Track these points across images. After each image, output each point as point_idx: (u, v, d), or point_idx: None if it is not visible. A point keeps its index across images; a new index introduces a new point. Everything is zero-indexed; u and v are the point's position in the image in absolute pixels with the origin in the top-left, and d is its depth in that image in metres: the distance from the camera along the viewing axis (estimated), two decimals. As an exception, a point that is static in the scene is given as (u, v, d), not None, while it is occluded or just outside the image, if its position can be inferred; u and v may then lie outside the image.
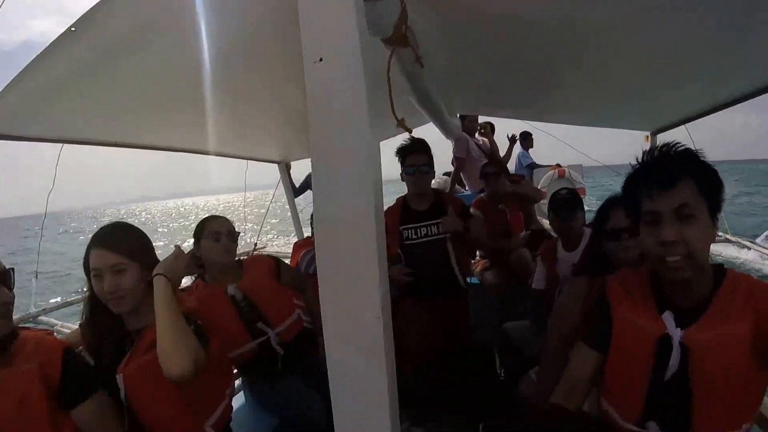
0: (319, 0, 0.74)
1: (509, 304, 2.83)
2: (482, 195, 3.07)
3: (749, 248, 6.60)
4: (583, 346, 1.15)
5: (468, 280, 2.35)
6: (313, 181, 0.81)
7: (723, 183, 0.97)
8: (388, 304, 0.80)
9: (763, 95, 1.99)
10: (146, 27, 1.17)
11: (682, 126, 2.80)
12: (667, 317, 0.98)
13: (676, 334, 0.96)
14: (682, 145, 0.98)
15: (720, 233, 6.96)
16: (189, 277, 1.85)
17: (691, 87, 2.13)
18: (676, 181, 0.93)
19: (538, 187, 5.48)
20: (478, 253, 3.10)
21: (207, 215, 1.89)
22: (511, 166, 6.05)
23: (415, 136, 2.23)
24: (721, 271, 1.01)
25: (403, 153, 2.23)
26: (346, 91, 0.74)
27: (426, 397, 2.03)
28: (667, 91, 2.20)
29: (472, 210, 2.60)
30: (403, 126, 1.44)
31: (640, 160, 1.01)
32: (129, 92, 1.59)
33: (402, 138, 2.34)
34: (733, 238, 6.49)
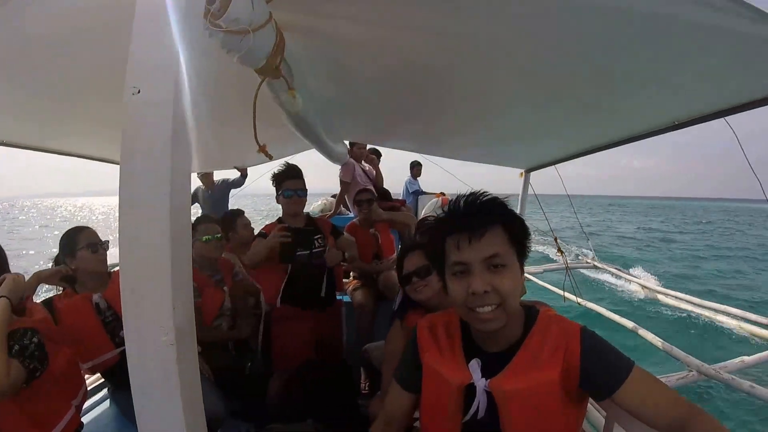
0: (142, 31, 0.74)
1: (376, 324, 2.98)
2: (356, 219, 3.23)
3: (619, 276, 7.77)
4: (395, 385, 1.14)
5: (342, 298, 2.52)
6: (120, 202, 0.77)
7: (529, 230, 0.98)
8: (187, 331, 0.78)
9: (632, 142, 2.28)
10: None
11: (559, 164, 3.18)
12: (474, 366, 0.97)
13: (481, 384, 0.94)
14: (489, 194, 0.97)
15: (589, 260, 8.22)
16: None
17: (559, 134, 2.44)
18: (486, 231, 0.91)
19: (422, 213, 5.91)
20: (351, 273, 3.25)
21: (71, 227, 1.91)
22: (400, 192, 6.47)
23: (290, 162, 2.40)
24: (533, 312, 1.00)
25: (279, 178, 2.36)
26: (159, 124, 0.74)
27: (292, 411, 2.07)
28: (539, 136, 2.50)
29: (345, 233, 2.75)
30: (264, 152, 1.47)
31: (445, 210, 1.00)
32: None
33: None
34: (600, 265, 7.64)
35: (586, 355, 0.90)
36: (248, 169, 4.65)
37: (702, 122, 1.79)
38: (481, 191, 0.97)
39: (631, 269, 9.25)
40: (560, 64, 1.42)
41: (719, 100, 1.62)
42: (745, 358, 3.47)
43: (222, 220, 2.80)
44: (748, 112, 1.58)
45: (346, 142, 4.18)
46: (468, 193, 0.97)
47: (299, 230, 2.39)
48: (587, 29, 1.17)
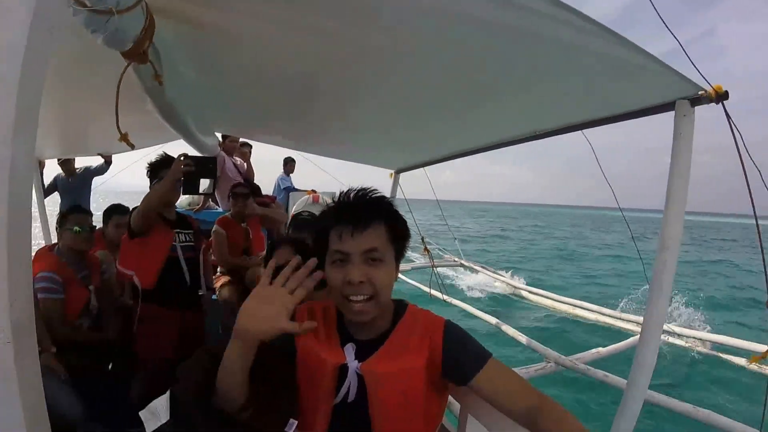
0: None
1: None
2: (228, 213, 3.14)
3: (478, 271, 8.30)
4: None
5: (208, 294, 2.43)
6: None
7: (410, 234, 1.04)
8: (26, 329, 0.74)
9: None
10: None
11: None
12: (348, 349, 1.02)
13: (353, 365, 0.99)
14: (378, 192, 1.02)
15: (456, 258, 8.54)
16: None
17: (428, 138, 2.58)
18: (369, 226, 0.95)
19: (293, 210, 5.92)
20: (219, 269, 3.12)
21: None
22: (272, 188, 6.36)
23: (167, 153, 2.24)
24: (402, 306, 1.07)
25: (155, 167, 2.21)
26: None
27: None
28: (408, 139, 2.62)
29: (215, 227, 2.64)
30: (126, 141, 1.39)
31: (335, 200, 1.03)
32: None
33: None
34: (466, 263, 8.08)
35: (447, 345, 0.98)
36: (113, 157, 4.35)
37: (561, 133, 2.00)
38: (372, 188, 1.02)
39: (496, 267, 9.87)
40: (428, 72, 1.52)
41: (578, 115, 1.82)
42: (601, 349, 3.80)
43: (104, 212, 2.68)
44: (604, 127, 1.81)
45: (218, 135, 4.02)
46: (359, 188, 1.01)
47: (173, 222, 2.27)
48: (456, 40, 1.27)
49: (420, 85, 1.69)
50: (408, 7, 1.14)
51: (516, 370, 3.53)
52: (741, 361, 3.99)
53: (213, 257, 2.91)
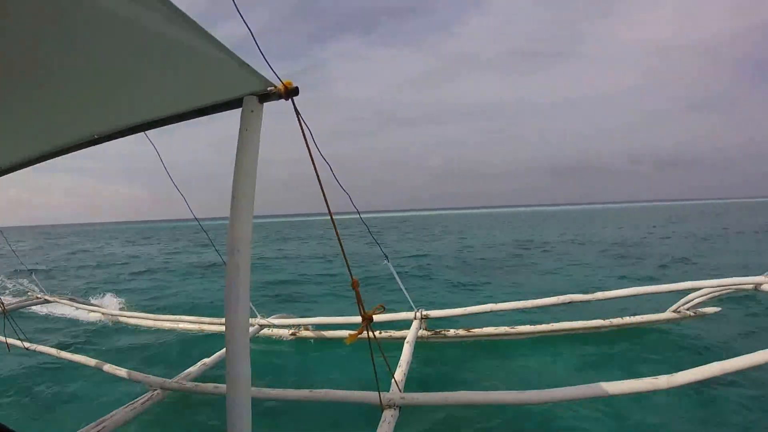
0: None
1: None
2: None
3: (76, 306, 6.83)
4: None
5: None
6: None
7: None
8: None
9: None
10: None
11: None
12: None
13: None
14: None
15: (39, 296, 6.79)
16: None
17: None
18: None
19: None
20: None
21: None
22: None
23: None
24: None
25: None
26: None
27: None
28: None
29: None
30: None
31: None
32: None
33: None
34: (51, 298, 6.65)
35: None
36: None
37: (123, 136, 1.74)
38: None
39: (92, 297, 8.47)
40: None
41: (141, 113, 1.58)
42: (206, 360, 3.68)
43: None
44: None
45: None
46: None
47: None
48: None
49: None
50: None
51: (121, 409, 2.83)
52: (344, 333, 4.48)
53: None
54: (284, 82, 1.33)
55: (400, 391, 2.65)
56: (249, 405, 1.44)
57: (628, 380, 2.44)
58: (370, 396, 2.54)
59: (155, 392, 3.20)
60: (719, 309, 4.37)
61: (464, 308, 4.15)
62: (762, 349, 2.39)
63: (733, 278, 3.53)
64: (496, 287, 8.33)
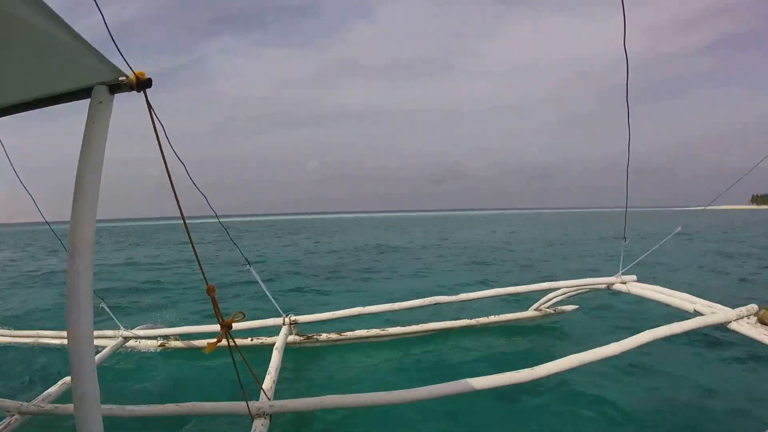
0: None
1: None
2: None
3: None
4: None
5: None
6: None
7: None
8: None
9: None
10: None
11: None
12: None
13: None
14: None
15: None
16: None
17: None
18: None
19: None
20: None
21: None
22: None
23: None
24: None
25: None
26: None
27: None
28: None
29: None
30: None
31: None
32: None
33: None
34: None
35: None
36: None
37: None
38: None
39: None
40: None
41: None
42: (67, 378, 3.18)
43: None
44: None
45: None
46: None
47: None
48: None
49: None
50: None
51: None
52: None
53: None
54: (136, 72, 1.23)
55: (269, 399, 2.58)
56: (100, 425, 1.31)
57: (492, 375, 2.60)
58: (239, 407, 2.45)
59: (13, 418, 2.78)
60: (577, 306, 4.92)
61: (334, 312, 4.16)
62: (613, 342, 2.69)
63: (589, 279, 3.99)
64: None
